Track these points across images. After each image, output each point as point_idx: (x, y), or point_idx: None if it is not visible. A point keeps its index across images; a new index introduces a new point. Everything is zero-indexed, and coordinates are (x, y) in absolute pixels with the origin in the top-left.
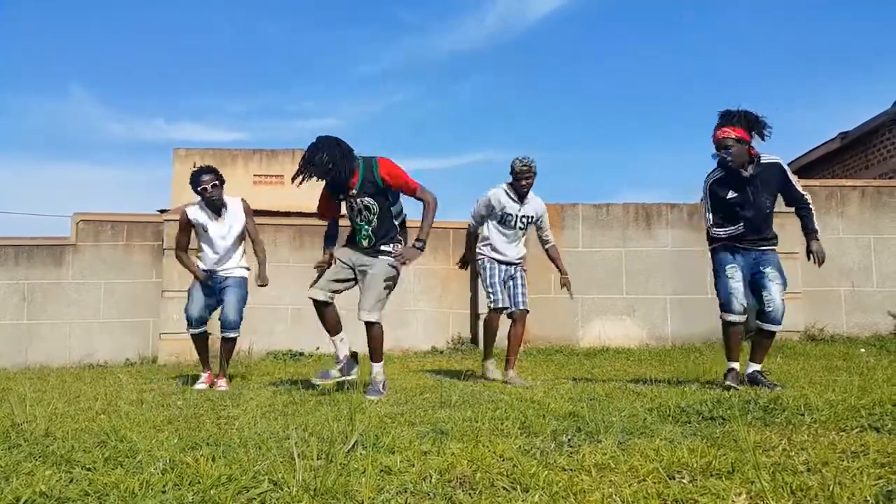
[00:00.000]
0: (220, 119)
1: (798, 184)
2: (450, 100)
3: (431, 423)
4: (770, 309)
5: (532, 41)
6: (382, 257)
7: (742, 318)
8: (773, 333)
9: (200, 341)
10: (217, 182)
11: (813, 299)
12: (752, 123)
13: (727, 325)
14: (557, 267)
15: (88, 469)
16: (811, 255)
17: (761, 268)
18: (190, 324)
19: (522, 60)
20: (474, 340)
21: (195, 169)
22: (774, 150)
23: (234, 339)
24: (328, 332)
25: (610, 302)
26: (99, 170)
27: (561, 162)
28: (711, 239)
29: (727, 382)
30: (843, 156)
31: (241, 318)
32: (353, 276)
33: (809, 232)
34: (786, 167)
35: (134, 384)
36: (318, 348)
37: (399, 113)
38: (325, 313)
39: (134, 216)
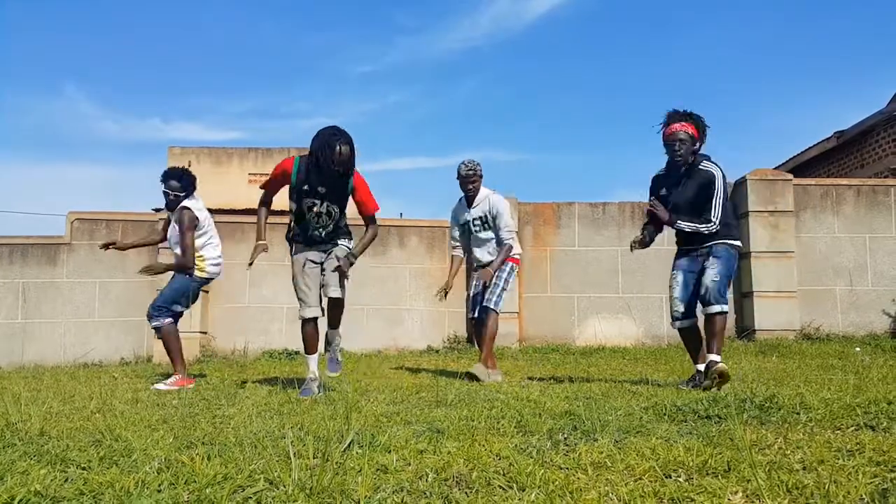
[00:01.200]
0: (217, 119)
1: (718, 205)
2: (446, 100)
3: (428, 422)
4: (702, 292)
5: (529, 41)
6: (341, 245)
7: (686, 322)
8: (713, 317)
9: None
10: (181, 194)
11: (808, 298)
12: (700, 125)
13: (678, 332)
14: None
15: (83, 468)
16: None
17: (704, 264)
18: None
19: (519, 60)
20: (470, 339)
21: (169, 168)
22: (769, 150)
23: (155, 330)
24: (311, 349)
25: (606, 300)
26: (94, 169)
27: (556, 162)
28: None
29: (690, 385)
30: (839, 155)
31: (156, 307)
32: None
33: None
34: (716, 183)
35: (129, 383)
36: None
37: (395, 113)
38: (315, 331)
39: (129, 215)
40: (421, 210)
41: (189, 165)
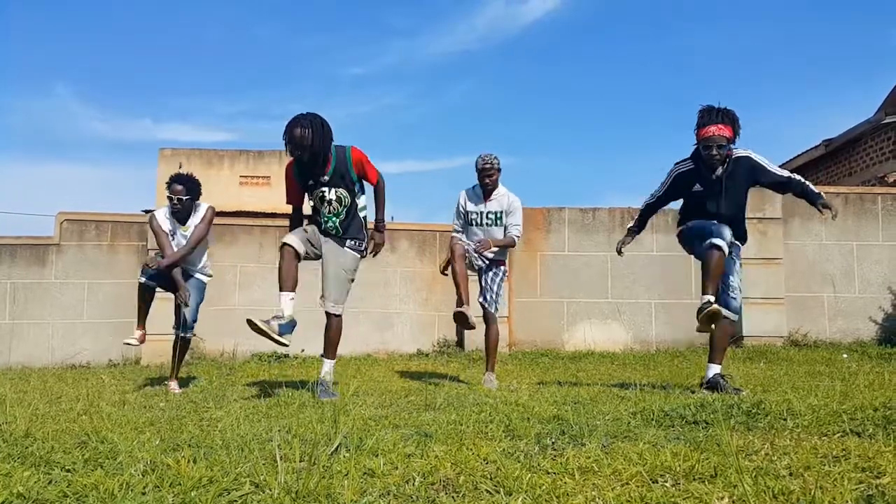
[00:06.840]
0: (208, 120)
1: (776, 168)
2: (438, 102)
3: (416, 426)
4: (734, 297)
5: (522, 46)
6: (348, 248)
7: (725, 249)
8: (730, 324)
9: (147, 294)
10: (187, 196)
11: (796, 305)
12: (735, 123)
13: (715, 250)
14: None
15: (68, 470)
16: (828, 211)
17: (731, 254)
18: (143, 272)
19: (512, 64)
20: (460, 343)
21: (175, 174)
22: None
23: (188, 340)
24: (283, 285)
25: (595, 306)
26: (83, 169)
27: (548, 166)
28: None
29: (702, 310)
30: (828, 163)
31: (195, 321)
32: (319, 252)
33: (815, 197)
34: (755, 157)
35: (116, 385)
36: (302, 350)
37: (388, 115)
38: (291, 265)
39: (118, 216)
40: (411, 213)
41: (180, 167)
